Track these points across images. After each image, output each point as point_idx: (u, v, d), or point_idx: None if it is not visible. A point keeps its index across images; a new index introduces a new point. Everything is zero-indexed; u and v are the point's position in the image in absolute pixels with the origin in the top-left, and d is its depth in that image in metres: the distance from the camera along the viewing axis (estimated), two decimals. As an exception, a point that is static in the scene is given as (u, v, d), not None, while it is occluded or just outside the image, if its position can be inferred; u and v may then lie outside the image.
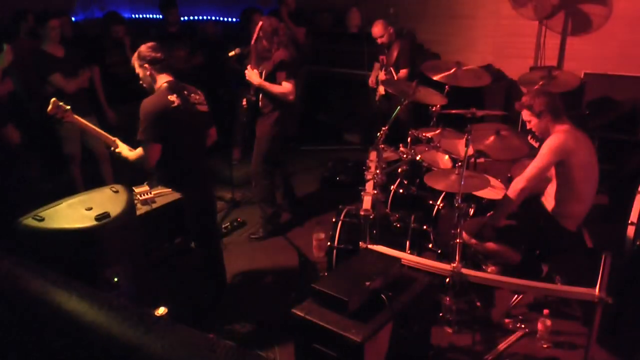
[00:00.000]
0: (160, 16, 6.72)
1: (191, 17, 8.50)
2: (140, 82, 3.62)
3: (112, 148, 3.58)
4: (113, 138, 3.59)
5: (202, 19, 8.54)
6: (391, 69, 5.75)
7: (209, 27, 7.67)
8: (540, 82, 3.79)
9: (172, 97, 3.44)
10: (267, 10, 6.84)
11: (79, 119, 3.49)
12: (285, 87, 4.61)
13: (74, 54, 5.22)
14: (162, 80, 3.52)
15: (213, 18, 8.50)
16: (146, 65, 3.50)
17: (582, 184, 3.54)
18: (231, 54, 4.82)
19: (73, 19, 7.89)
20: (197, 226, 3.65)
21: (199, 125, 3.69)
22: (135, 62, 3.55)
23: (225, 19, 8.42)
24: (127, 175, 5.38)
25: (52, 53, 5.00)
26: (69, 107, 3.42)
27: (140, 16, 9.01)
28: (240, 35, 5.88)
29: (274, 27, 4.58)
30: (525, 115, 3.61)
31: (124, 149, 3.57)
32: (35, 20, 5.21)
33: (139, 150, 3.48)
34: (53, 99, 3.37)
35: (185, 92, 3.56)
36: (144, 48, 3.52)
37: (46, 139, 5.28)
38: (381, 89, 5.90)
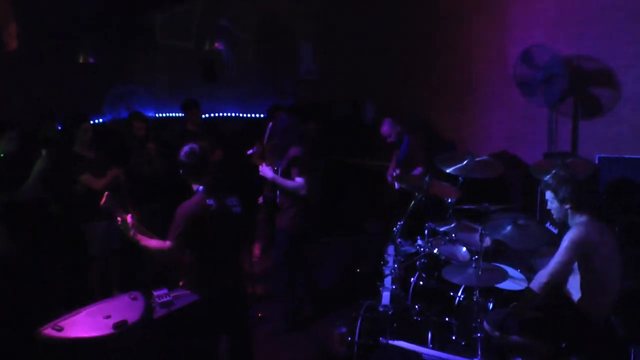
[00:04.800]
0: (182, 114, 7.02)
1: (213, 114, 8.81)
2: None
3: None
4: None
5: (223, 115, 8.84)
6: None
7: (228, 124, 7.94)
8: (552, 173, 3.81)
9: (210, 201, 3.51)
10: (287, 104, 7.11)
11: (125, 215, 3.54)
12: (297, 182, 4.71)
13: (103, 155, 5.44)
14: (200, 183, 3.60)
15: (234, 114, 8.80)
16: (181, 171, 3.63)
17: (605, 275, 3.49)
18: (249, 152, 4.98)
19: (101, 120, 8.31)
20: (228, 324, 3.69)
21: (233, 226, 3.73)
22: None
23: (249, 115, 8.70)
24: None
25: (83, 154, 5.22)
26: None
27: (164, 115, 9.39)
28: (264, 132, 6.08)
29: (286, 124, 4.75)
30: (548, 195, 3.63)
31: (143, 239, 3.55)
32: (68, 123, 5.44)
33: (161, 244, 3.48)
34: (107, 193, 3.49)
35: (222, 195, 3.64)
36: (183, 152, 3.62)
37: (70, 239, 5.39)
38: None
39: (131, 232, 3.51)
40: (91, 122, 5.45)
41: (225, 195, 3.67)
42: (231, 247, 3.73)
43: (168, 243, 3.45)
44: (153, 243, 3.51)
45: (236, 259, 3.85)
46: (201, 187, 3.59)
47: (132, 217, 3.56)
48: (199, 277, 3.57)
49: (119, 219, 3.53)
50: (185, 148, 3.63)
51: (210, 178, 3.64)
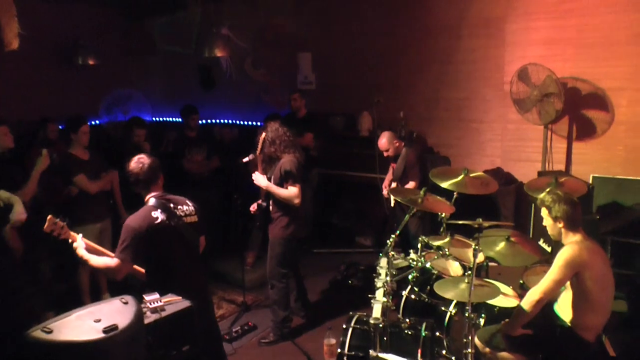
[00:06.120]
0: (180, 119, 7.02)
1: (210, 121, 8.82)
2: None
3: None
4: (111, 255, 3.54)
5: (221, 122, 8.86)
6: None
7: (225, 132, 7.96)
8: (547, 190, 3.83)
9: (156, 213, 3.44)
10: (283, 113, 7.13)
11: (74, 235, 3.53)
12: (290, 191, 4.73)
13: (98, 157, 5.43)
14: (149, 195, 3.56)
15: (231, 122, 8.82)
16: (131, 182, 3.58)
17: (598, 295, 3.49)
18: (245, 160, 4.98)
19: (97, 122, 8.31)
20: (192, 336, 3.55)
21: (187, 237, 3.62)
22: None
23: (247, 123, 8.72)
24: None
25: (79, 156, 5.21)
26: (64, 223, 3.49)
27: (161, 119, 9.40)
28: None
29: (276, 132, 4.78)
30: (543, 212, 3.65)
31: (92, 258, 3.49)
32: (67, 125, 5.39)
33: (109, 261, 3.44)
34: (49, 216, 3.43)
35: (172, 206, 3.56)
36: (130, 164, 3.57)
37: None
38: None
39: (78, 253, 3.48)
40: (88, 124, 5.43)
41: (175, 205, 3.58)
42: (185, 258, 3.61)
43: (115, 259, 3.40)
44: (100, 261, 3.45)
45: (195, 270, 3.70)
46: (149, 199, 3.53)
47: (82, 237, 3.54)
48: (155, 289, 3.39)
49: (70, 240, 3.52)
50: (134, 158, 3.60)
51: (158, 190, 3.59)
